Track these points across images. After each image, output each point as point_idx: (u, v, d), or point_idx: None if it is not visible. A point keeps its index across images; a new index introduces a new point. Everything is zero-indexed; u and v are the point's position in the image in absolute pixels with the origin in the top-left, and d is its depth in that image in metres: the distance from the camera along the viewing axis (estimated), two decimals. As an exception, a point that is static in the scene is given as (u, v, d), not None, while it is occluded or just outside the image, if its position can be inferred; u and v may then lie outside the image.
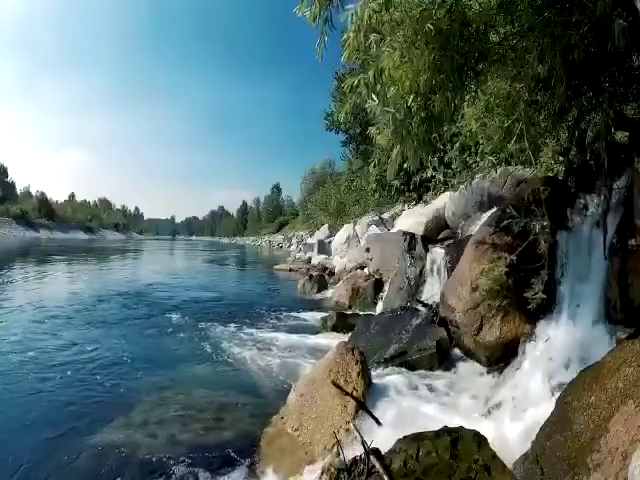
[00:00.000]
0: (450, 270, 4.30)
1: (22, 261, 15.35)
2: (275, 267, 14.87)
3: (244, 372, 3.70)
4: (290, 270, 13.69)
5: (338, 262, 10.63)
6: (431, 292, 4.79)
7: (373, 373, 2.99)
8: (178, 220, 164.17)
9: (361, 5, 1.90)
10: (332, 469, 1.71)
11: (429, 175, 9.65)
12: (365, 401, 2.51)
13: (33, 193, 69.25)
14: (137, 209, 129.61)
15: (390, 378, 3.01)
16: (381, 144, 2.62)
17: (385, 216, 11.17)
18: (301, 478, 2.13)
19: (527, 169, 4.33)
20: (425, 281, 5.08)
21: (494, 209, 4.16)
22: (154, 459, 2.29)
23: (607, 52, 2.02)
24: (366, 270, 7.54)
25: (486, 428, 1.84)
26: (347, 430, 2.27)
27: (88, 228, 74.65)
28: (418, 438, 1.64)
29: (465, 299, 3.19)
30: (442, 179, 8.83)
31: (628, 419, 1.55)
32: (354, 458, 1.71)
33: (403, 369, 3.18)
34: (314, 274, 9.39)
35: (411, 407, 2.60)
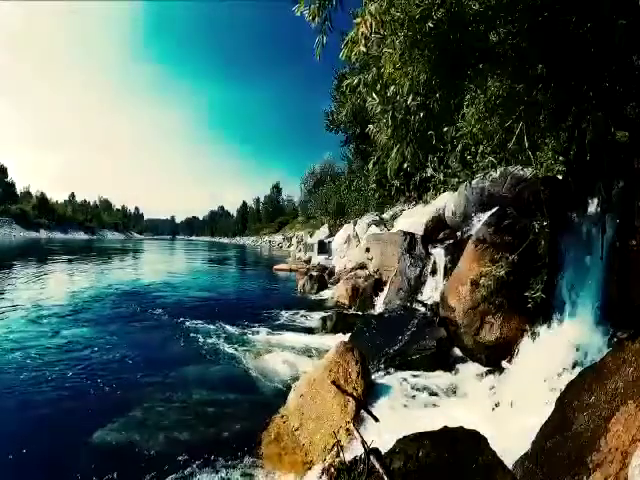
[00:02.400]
0: (450, 270, 4.31)
1: (22, 261, 15.32)
2: (275, 267, 14.85)
3: (244, 372, 3.70)
4: (290, 270, 13.69)
5: (338, 262, 10.62)
6: (431, 292, 4.79)
7: (373, 373, 2.99)
8: (178, 220, 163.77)
9: (361, 12, 1.91)
10: (332, 469, 1.72)
11: (429, 175, 9.65)
12: (365, 401, 2.51)
13: (33, 193, 69.10)
14: (137, 209, 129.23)
15: (390, 378, 3.02)
16: (381, 143, 2.62)
17: (385, 216, 11.16)
18: (301, 478, 2.13)
19: (527, 169, 4.33)
20: (425, 281, 5.08)
21: (494, 209, 4.16)
22: (154, 459, 2.29)
23: (607, 52, 2.02)
24: (366, 270, 7.54)
25: (486, 428, 1.84)
26: (347, 430, 2.27)
27: (88, 228, 74.58)
28: (418, 438, 1.64)
29: (465, 299, 3.19)
30: (442, 179, 8.82)
31: (628, 419, 1.56)
32: (354, 458, 1.71)
33: (403, 369, 3.17)
34: (314, 274, 9.38)
35: (411, 407, 2.60)
